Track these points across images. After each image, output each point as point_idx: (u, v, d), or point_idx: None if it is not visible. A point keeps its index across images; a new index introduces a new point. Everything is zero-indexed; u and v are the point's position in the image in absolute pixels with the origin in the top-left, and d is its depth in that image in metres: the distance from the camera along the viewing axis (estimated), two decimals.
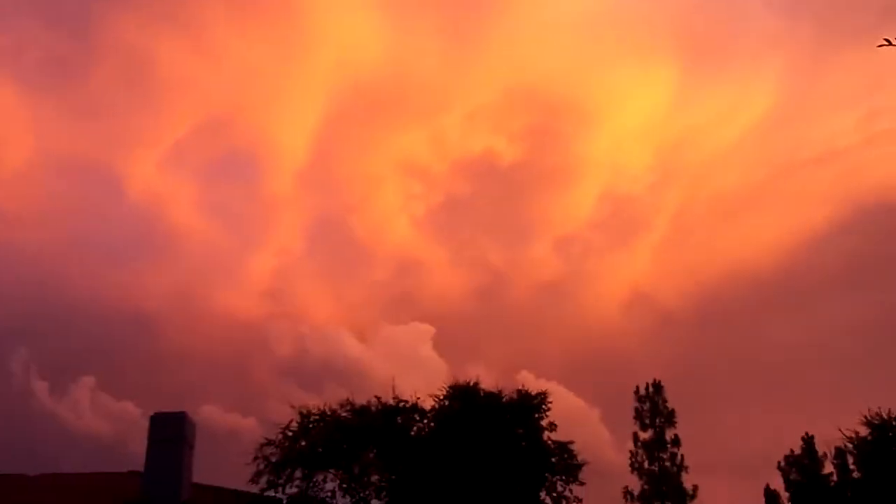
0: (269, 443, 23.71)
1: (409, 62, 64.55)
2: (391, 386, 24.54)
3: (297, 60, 64.25)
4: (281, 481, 23.49)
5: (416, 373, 40.46)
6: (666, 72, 63.66)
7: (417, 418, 24.38)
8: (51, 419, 42.76)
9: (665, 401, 30.74)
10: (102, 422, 44.33)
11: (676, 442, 30.23)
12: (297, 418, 24.01)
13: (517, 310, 59.65)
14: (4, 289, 49.42)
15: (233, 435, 39.35)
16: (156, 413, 24.40)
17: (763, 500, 36.49)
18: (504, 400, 24.42)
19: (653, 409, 30.64)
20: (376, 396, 24.28)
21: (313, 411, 24.20)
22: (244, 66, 63.87)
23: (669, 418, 30.46)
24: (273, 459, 23.56)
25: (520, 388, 24.98)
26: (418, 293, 61.16)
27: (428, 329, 46.74)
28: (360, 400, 24.41)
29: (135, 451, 41.37)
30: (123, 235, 58.00)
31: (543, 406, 24.68)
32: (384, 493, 24.10)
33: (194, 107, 67.09)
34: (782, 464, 36.89)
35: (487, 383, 24.96)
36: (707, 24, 67.71)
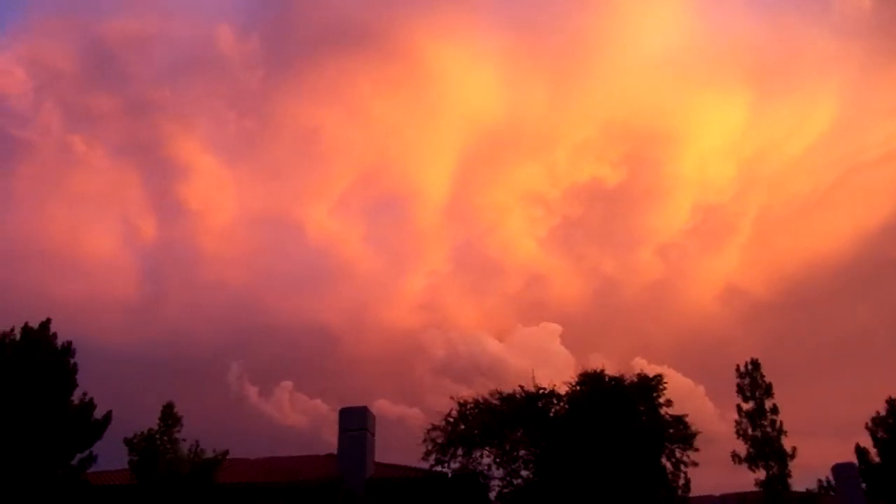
0: (435, 428, 28.84)
1: (522, 108, 73.03)
2: (531, 377, 29.27)
3: (432, 117, 73.25)
4: (446, 458, 28.59)
5: (549, 365, 46.06)
6: (741, 94, 69.64)
7: (555, 402, 28.81)
8: (261, 416, 50.88)
9: (762, 376, 33.41)
10: (300, 416, 52.57)
11: (775, 410, 32.63)
12: (456, 407, 29.18)
13: (629, 307, 66.65)
14: (221, 316, 58.67)
15: (400, 422, 46.13)
16: (343, 408, 29.96)
17: (855, 456, 40.32)
18: (626, 383, 28.62)
19: (752, 383, 33.29)
20: (520, 386, 29.00)
21: (469, 400, 29.27)
22: (390, 126, 73.53)
23: (768, 390, 33.08)
24: (438, 441, 28.63)
25: (638, 372, 29.31)
26: (545, 299, 69.05)
27: (556, 328, 52.95)
28: (506, 389, 29.37)
29: (326, 439, 49.21)
30: (306, 268, 68.03)
31: (660, 386, 28.66)
32: (531, 465, 28.65)
33: (353, 163, 77.18)
34: (869, 424, 40.68)
35: (610, 370, 29.30)
36: (773, 49, 72.82)
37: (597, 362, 30.82)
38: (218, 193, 72.72)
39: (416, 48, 72.54)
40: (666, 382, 28.96)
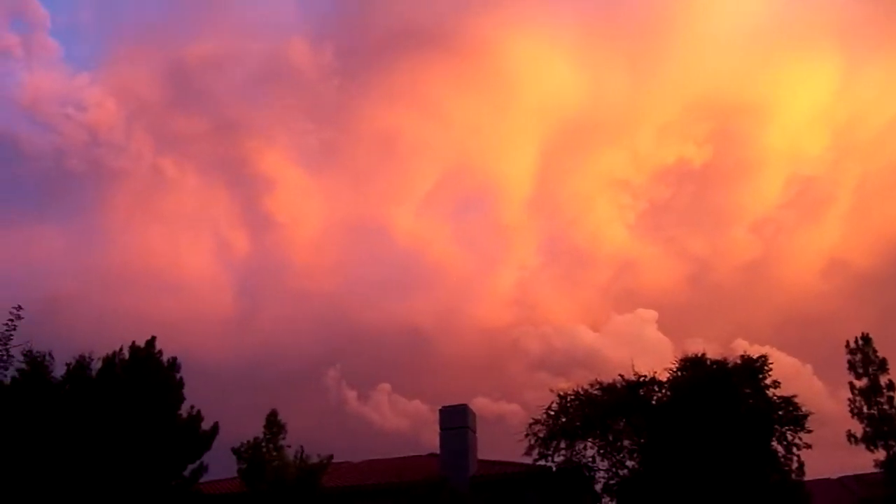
0: (536, 422, 28.61)
1: (601, 94, 72.28)
2: (630, 365, 28.74)
3: (509, 110, 73.45)
4: (549, 452, 28.39)
5: (646, 352, 45.30)
6: (830, 59, 66.43)
7: (656, 389, 28.29)
8: (360, 419, 51.88)
9: (875, 351, 31.96)
10: (400, 418, 53.37)
11: (891, 387, 31.13)
12: (556, 399, 28.90)
13: (725, 288, 65.14)
14: (315, 324, 60.34)
15: (500, 419, 46.30)
16: (443, 406, 30.13)
17: None
18: (729, 366, 27.72)
19: (864, 359, 31.88)
20: (619, 375, 28.55)
21: (569, 392, 28.95)
22: (469, 124, 74.16)
23: (882, 366, 31.59)
24: (540, 435, 28.45)
25: (741, 354, 28.38)
26: (638, 286, 68.22)
27: (651, 314, 52.00)
28: (606, 379, 28.92)
29: (426, 439, 50.00)
30: (396, 271, 69.19)
31: (765, 367, 27.52)
32: (636, 455, 28.25)
33: (435, 163, 78.17)
34: None
35: (711, 353, 28.46)
36: (861, 9, 68.49)
37: (696, 347, 29.91)
38: (304, 204, 74.66)
39: (488, 43, 72.51)
40: (771, 363, 27.84)
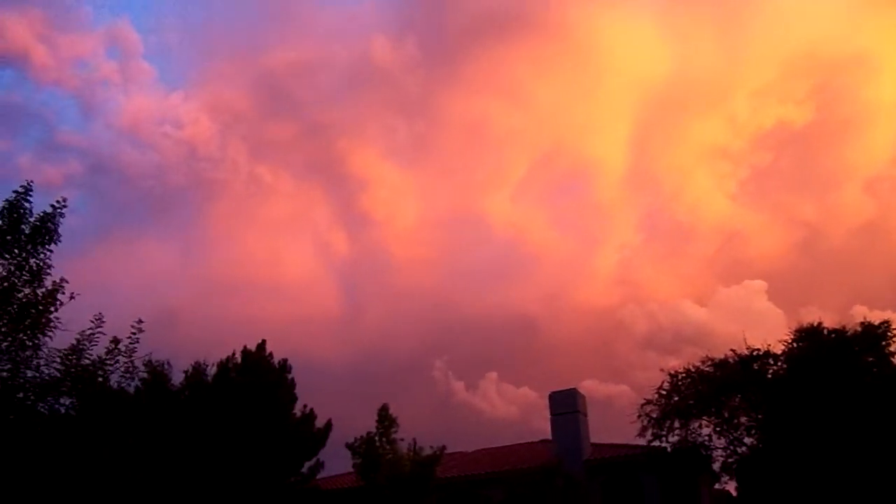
0: (648, 402, 28.10)
1: (692, 62, 70.22)
2: (742, 339, 27.94)
3: (598, 88, 72.38)
4: (663, 433, 27.86)
5: (757, 325, 43.92)
6: None
7: (771, 362, 27.39)
8: (469, 409, 52.42)
9: None
10: (509, 406, 53.66)
11: None
12: (668, 378, 28.29)
13: (839, 253, 62.27)
14: (419, 317, 61.41)
15: (610, 401, 45.87)
16: (553, 392, 30.01)
17: None
18: (848, 334, 26.50)
19: None
20: (731, 350, 27.72)
21: (680, 371, 28.29)
22: (558, 105, 73.73)
23: None
24: (653, 415, 27.95)
25: (861, 321, 27.06)
26: (745, 256, 66.32)
27: (760, 284, 50.44)
28: (717, 355, 28.12)
29: (537, 426, 50.15)
30: (496, 259, 69.45)
31: (888, 333, 26.14)
32: (754, 431, 27.46)
33: (527, 148, 78.04)
34: None
35: (828, 322, 27.17)
36: None
37: (810, 316, 28.68)
38: (399, 200, 75.52)
39: (571, 22, 71.38)
40: (895, 328, 26.38)
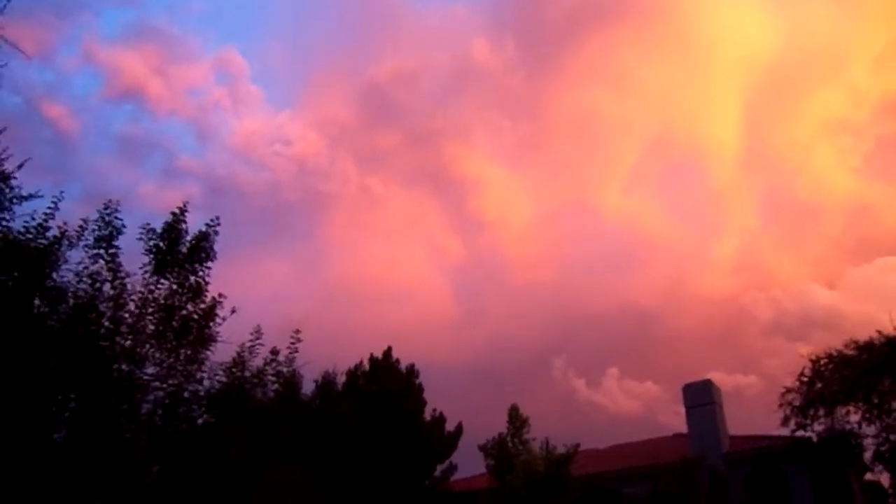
0: (789, 390, 27.01)
1: (803, 31, 67.53)
2: (880, 319, 26.51)
3: (706, 69, 70.54)
4: (807, 422, 26.73)
5: (893, 304, 41.60)
6: None
7: None
8: (593, 406, 52.07)
9: None
10: (633, 401, 53.05)
11: None
12: (809, 365, 27.14)
13: None
14: (537, 316, 61.74)
15: (738, 393, 44.56)
16: (686, 384, 29.24)
17: None
18: None
19: None
20: (877, 331, 26.35)
21: (821, 356, 27.09)
22: (666, 90, 72.44)
23: None
24: (795, 404, 26.88)
25: None
26: (875, 233, 63.21)
27: (894, 261, 47.76)
28: (861, 337, 26.73)
29: (663, 421, 49.26)
30: (612, 253, 68.92)
31: None
32: None
33: (636, 136, 76.92)
34: None
35: None
36: None
37: None
38: (510, 199, 75.49)
39: (672, 4, 69.70)
40: None
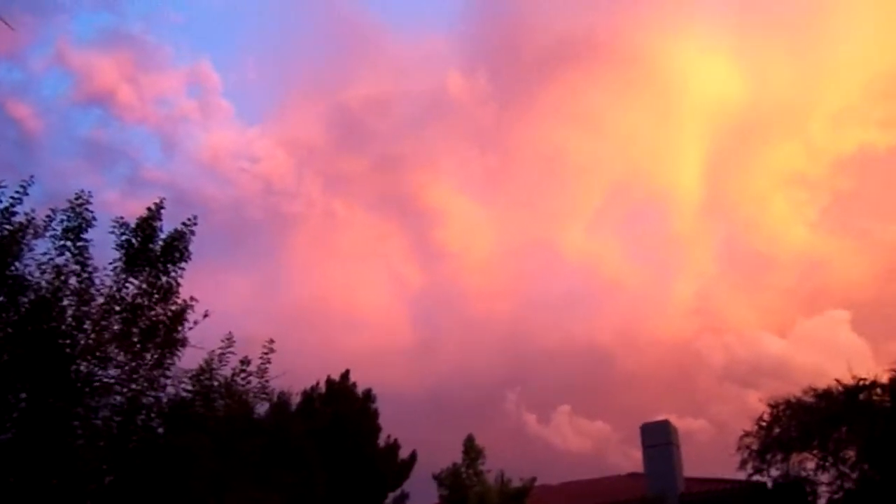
0: (747, 434, 27.06)
1: (766, 86, 69.30)
2: (847, 368, 26.78)
3: (672, 115, 71.78)
4: (764, 466, 26.81)
5: (840, 356, 42.18)
6: None
7: (879, 392, 26.26)
8: (542, 442, 51.69)
9: None
10: (582, 439, 52.69)
11: None
12: (768, 409, 27.26)
13: None
14: (493, 349, 61.56)
15: (689, 436, 44.65)
16: (644, 423, 29.12)
17: None
18: None
19: None
20: (835, 379, 26.61)
21: (780, 401, 27.24)
22: (632, 134, 73.12)
23: None
24: (753, 447, 26.95)
25: None
26: (827, 286, 64.43)
27: (843, 315, 48.57)
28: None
29: (612, 461, 49.11)
30: (571, 291, 68.81)
31: None
32: (860, 466, 26.17)
33: (602, 178, 77.62)
34: None
35: None
36: None
37: None
38: (474, 232, 75.66)
39: (644, 49, 70.83)
40: None
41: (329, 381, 30.57)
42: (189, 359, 13.39)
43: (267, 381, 14.03)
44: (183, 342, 13.32)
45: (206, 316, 13.49)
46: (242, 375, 13.59)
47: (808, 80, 69.29)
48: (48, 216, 13.12)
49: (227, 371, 13.57)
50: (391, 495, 29.93)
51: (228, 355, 13.54)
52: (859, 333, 45.89)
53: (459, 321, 64.95)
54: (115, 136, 71.61)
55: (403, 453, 30.87)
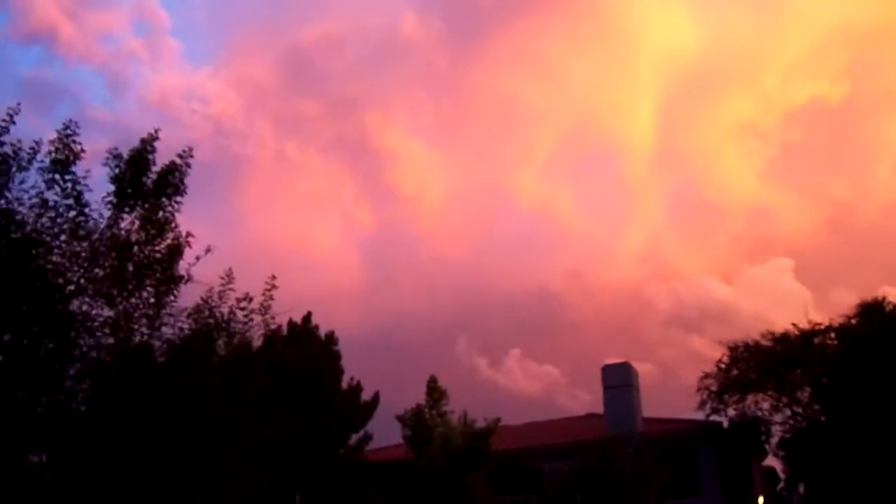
0: (707, 375, 27.94)
1: (721, 37, 69.99)
2: (804, 312, 27.71)
3: (627, 65, 72.11)
4: (722, 406, 27.70)
5: (783, 303, 43.81)
6: None
7: (833, 337, 27.26)
8: (493, 385, 52.24)
9: None
10: (532, 382, 53.57)
11: None
12: (727, 352, 28.05)
13: (869, 232, 62.10)
14: (445, 292, 61.42)
15: None
16: (606, 364, 29.71)
17: None
18: None
19: None
20: (793, 323, 27.53)
21: (739, 344, 28.03)
22: (586, 82, 73.12)
23: None
24: (712, 389, 27.79)
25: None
26: (773, 235, 66.11)
27: (788, 263, 50.13)
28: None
29: (560, 403, 49.96)
30: (523, 236, 69.40)
31: None
32: (811, 407, 27.35)
33: (555, 125, 77.67)
34: None
35: (852, 301, 27.51)
36: None
37: (838, 295, 28.56)
38: (427, 175, 75.03)
39: None
40: None
41: (291, 324, 30.10)
42: (190, 297, 12.89)
43: (272, 317, 13.60)
44: (181, 279, 12.77)
45: (208, 251, 12.97)
46: (245, 313, 13.13)
47: (763, 33, 70.08)
48: (32, 148, 12.32)
49: (225, 309, 13.08)
50: (354, 436, 29.95)
51: (228, 292, 13.05)
52: (802, 281, 47.59)
53: (412, 264, 64.82)
54: (58, 75, 68.38)
55: (373, 395, 30.87)
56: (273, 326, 14.06)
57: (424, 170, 75.13)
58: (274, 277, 13.58)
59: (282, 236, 65.81)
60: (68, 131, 12.32)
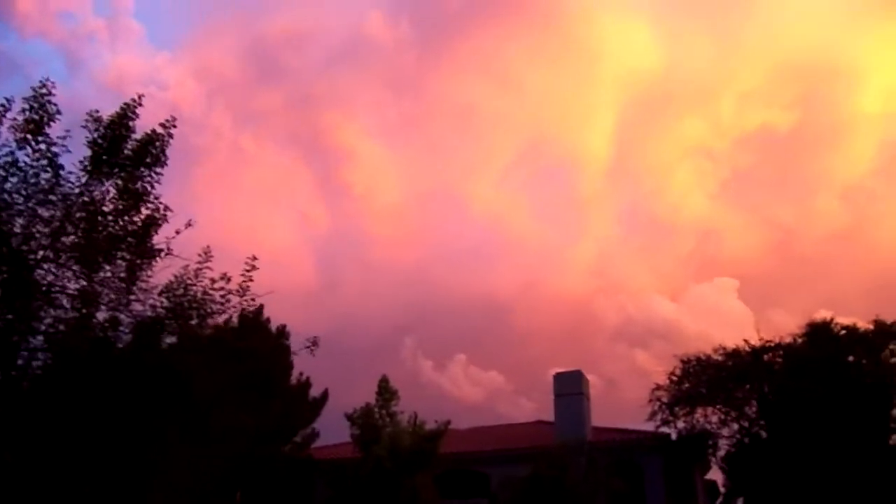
0: (659, 387, 28.13)
1: (681, 61, 71.19)
2: (756, 329, 28.19)
3: (589, 80, 72.63)
4: (672, 418, 27.90)
5: (725, 322, 44.74)
6: None
7: (782, 354, 27.72)
8: (437, 389, 51.96)
9: None
10: (475, 388, 53.43)
11: None
12: (680, 365, 28.32)
13: (811, 258, 64.13)
14: (393, 296, 60.90)
15: None
16: (557, 372, 29.70)
17: None
18: (860, 332, 26.73)
19: None
20: (744, 339, 27.95)
21: (691, 358, 28.35)
22: (547, 94, 73.81)
23: None
24: (664, 400, 28.00)
25: (874, 318, 27.19)
26: (719, 255, 67.51)
27: (732, 283, 51.16)
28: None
29: (503, 410, 49.82)
30: (475, 243, 69.68)
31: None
32: (757, 422, 27.74)
33: (513, 134, 77.82)
34: None
35: (791, 325, 27.87)
36: None
37: (777, 317, 29.26)
38: (383, 176, 74.78)
39: (566, 11, 71.29)
40: None
41: (242, 315, 29.31)
42: (164, 275, 12.35)
43: (252, 299, 13.14)
44: (158, 252, 12.22)
45: (188, 226, 12.45)
46: (221, 293, 12.65)
47: (721, 60, 71.88)
48: (2, 105, 11.66)
49: (199, 288, 12.59)
50: (301, 433, 29.37)
51: (205, 270, 12.56)
52: (744, 302, 48.71)
53: (362, 264, 64.48)
54: (12, 49, 65.97)
55: (323, 392, 30.43)
56: (251, 309, 13.47)
57: (380, 171, 74.99)
58: (254, 258, 13.12)
59: (233, 229, 64.82)
60: (44, 90, 11.68)
